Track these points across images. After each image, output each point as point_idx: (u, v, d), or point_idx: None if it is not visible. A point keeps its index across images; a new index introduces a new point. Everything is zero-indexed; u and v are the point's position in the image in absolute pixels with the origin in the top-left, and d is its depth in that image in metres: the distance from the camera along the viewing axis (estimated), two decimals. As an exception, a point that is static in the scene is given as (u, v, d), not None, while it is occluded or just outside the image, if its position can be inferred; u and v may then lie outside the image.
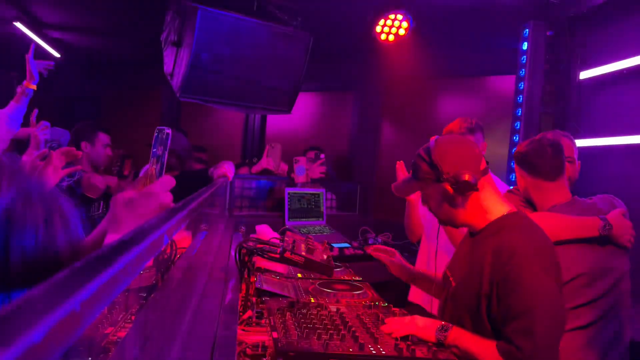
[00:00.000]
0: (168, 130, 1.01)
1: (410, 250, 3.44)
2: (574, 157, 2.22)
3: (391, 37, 4.03)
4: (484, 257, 1.46)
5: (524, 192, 2.16)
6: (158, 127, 1.03)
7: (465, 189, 1.48)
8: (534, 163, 2.05)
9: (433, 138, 1.59)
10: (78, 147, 2.84)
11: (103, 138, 3.06)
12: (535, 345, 1.27)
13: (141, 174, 1.11)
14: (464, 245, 1.69)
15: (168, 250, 1.20)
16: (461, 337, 1.42)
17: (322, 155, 4.28)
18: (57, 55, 5.53)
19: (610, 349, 1.86)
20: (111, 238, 0.87)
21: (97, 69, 6.36)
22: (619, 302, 1.91)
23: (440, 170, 1.51)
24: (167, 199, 0.94)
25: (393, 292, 2.77)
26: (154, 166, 1.00)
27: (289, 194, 3.69)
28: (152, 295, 1.06)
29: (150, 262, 1.16)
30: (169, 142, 1.01)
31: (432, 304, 2.45)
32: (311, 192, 3.84)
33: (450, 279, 1.68)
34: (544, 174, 2.04)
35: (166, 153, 1.01)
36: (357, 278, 2.32)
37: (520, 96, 3.63)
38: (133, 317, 1.13)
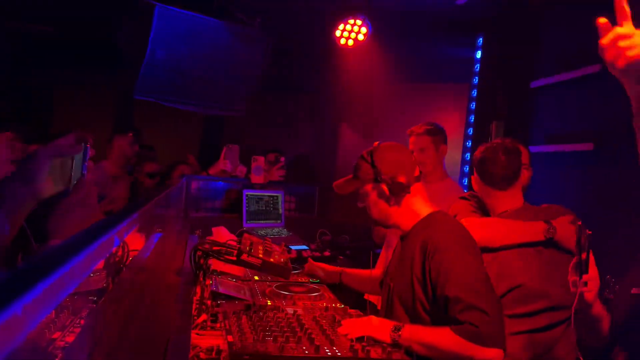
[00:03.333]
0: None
1: (367, 252, 3.48)
2: (527, 164, 2.23)
3: (350, 42, 4.06)
4: (414, 250, 1.62)
5: (480, 194, 2.16)
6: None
7: (400, 190, 1.67)
8: (486, 171, 2.05)
9: (376, 143, 1.78)
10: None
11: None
12: (485, 314, 1.38)
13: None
14: (396, 251, 1.84)
15: (119, 252, 1.17)
16: (416, 332, 1.46)
17: (282, 158, 4.26)
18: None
19: (553, 347, 1.90)
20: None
21: (48, 62, 6.08)
22: (558, 320, 1.87)
23: (379, 171, 1.69)
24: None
25: (350, 294, 2.79)
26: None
27: (246, 195, 3.66)
28: (102, 299, 1.03)
29: (100, 265, 1.13)
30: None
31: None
32: (269, 194, 3.82)
33: (390, 282, 1.78)
34: (494, 184, 2.04)
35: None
36: (314, 280, 2.33)
37: (473, 103, 3.75)
38: (82, 322, 1.10)
